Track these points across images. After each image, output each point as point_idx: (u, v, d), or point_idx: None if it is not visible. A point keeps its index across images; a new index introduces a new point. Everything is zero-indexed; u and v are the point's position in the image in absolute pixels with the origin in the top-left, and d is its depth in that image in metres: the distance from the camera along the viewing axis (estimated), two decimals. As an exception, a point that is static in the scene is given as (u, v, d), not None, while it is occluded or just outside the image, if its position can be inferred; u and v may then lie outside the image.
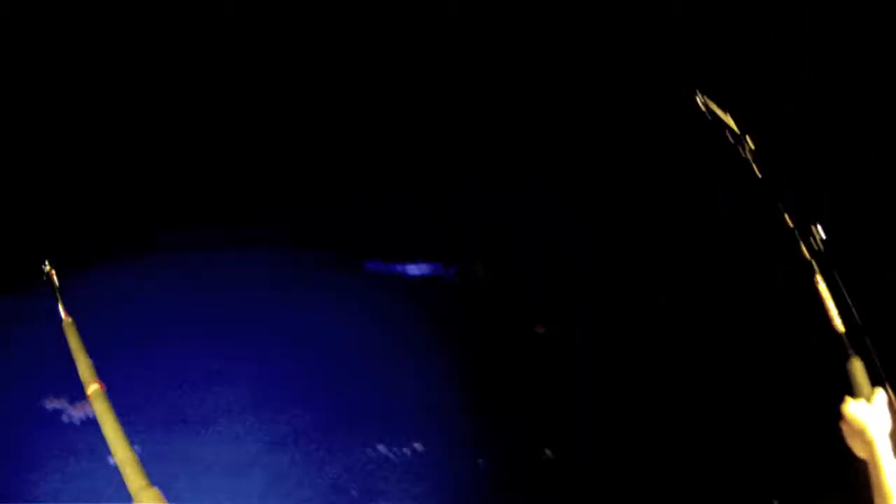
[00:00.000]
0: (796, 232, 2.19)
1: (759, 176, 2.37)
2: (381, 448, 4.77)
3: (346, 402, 5.14)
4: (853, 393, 2.19)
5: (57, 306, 2.36)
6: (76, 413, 4.77)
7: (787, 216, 2.24)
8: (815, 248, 2.15)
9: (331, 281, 6.61)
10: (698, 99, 2.70)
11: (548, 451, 4.70)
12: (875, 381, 2.20)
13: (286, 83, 7.82)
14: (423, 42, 7.62)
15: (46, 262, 2.45)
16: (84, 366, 2.27)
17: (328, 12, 7.58)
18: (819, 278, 2.16)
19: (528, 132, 7.77)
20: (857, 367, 2.19)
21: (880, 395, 2.19)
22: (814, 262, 2.18)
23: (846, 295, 2.13)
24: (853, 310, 2.14)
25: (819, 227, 2.15)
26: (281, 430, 4.96)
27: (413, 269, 7.20)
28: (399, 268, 7.20)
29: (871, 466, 2.11)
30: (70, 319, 2.38)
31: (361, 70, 7.76)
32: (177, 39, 7.28)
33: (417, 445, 4.76)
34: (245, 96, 7.74)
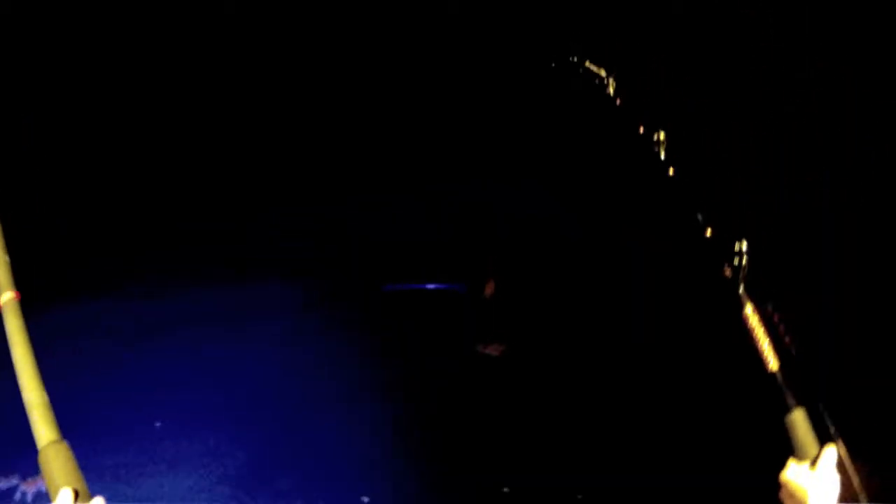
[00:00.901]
0: (718, 247, 1.59)
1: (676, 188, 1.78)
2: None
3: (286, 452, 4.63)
4: (795, 452, 1.57)
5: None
6: (30, 489, 4.27)
7: (707, 230, 1.64)
8: (739, 265, 1.55)
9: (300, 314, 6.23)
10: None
11: (505, 489, 4.13)
12: (822, 436, 1.58)
13: (284, 86, 7.67)
14: (425, 45, 7.51)
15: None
16: (1, 267, 1.68)
17: (330, 15, 7.51)
18: (748, 309, 1.56)
19: (529, 134, 7.56)
20: (799, 420, 1.57)
21: (828, 454, 1.57)
22: (741, 287, 1.58)
23: (780, 326, 1.53)
24: (789, 345, 1.53)
25: (743, 242, 1.55)
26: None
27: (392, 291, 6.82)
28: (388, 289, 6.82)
29: None
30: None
31: (361, 73, 7.62)
32: (173, 48, 7.16)
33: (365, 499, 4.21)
34: (243, 100, 7.60)
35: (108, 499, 1.48)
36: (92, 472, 1.45)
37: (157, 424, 4.76)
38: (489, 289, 6.22)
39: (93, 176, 7.41)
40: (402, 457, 4.34)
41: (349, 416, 4.78)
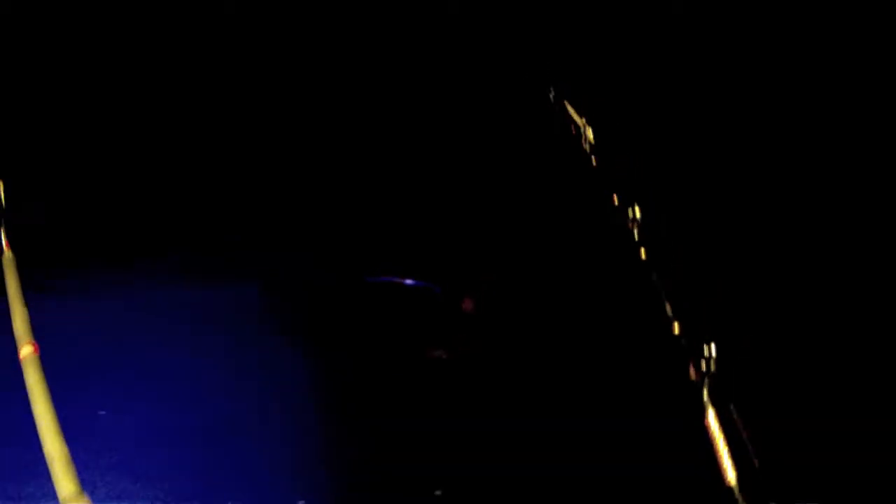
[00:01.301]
0: (693, 356, 1.48)
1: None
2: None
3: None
4: None
5: None
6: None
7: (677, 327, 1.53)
8: (709, 371, 1.44)
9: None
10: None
11: (438, 492, 4.07)
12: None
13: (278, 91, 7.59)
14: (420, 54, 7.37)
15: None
16: (20, 318, 1.64)
17: (319, 29, 7.40)
18: (710, 414, 1.44)
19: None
20: None
21: None
22: (705, 390, 1.46)
23: (743, 437, 1.42)
24: (751, 454, 1.42)
25: (712, 346, 1.43)
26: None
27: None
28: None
29: None
30: (11, 255, 1.75)
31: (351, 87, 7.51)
32: (172, 55, 7.06)
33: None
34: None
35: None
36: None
37: (102, 413, 4.67)
38: (467, 304, 6.15)
39: (77, 180, 7.36)
40: (345, 465, 4.32)
41: (295, 422, 4.72)
